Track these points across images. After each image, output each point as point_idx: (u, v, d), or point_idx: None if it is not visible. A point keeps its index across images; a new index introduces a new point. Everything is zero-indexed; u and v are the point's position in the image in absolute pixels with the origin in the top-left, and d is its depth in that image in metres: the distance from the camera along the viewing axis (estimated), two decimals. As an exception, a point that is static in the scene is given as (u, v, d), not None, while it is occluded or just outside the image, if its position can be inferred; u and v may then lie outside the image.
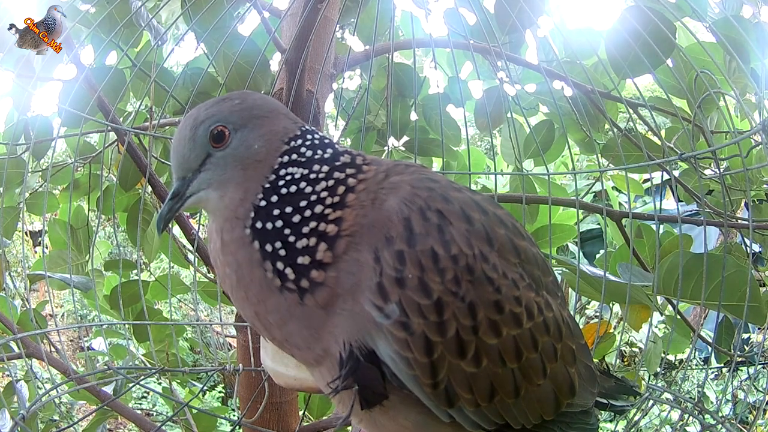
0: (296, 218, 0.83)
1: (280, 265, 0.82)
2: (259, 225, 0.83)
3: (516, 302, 0.86)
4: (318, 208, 0.83)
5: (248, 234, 0.84)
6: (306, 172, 0.85)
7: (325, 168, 0.86)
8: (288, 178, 0.85)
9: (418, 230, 0.81)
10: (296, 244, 0.82)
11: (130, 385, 1.79)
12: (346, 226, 0.82)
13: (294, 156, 0.87)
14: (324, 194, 0.84)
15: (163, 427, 2.91)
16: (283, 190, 0.84)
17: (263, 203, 0.84)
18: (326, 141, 0.90)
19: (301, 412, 2.14)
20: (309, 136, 0.89)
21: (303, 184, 0.85)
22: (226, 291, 0.89)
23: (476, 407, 0.85)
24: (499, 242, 0.87)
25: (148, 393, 4.91)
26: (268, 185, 0.85)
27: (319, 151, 0.88)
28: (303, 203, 0.83)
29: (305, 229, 0.82)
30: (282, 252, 0.82)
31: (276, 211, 0.83)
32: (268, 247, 0.82)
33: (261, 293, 0.84)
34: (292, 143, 0.88)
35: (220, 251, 0.86)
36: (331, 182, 0.85)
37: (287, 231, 0.82)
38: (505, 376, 0.86)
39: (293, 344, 0.87)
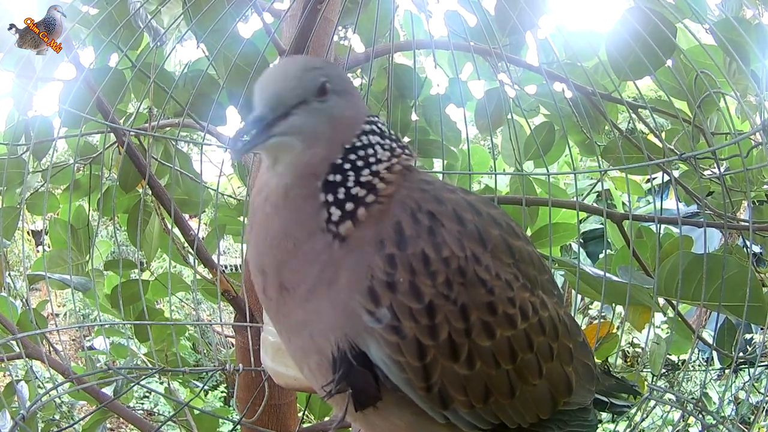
0: (365, 172, 0.85)
1: (333, 209, 0.83)
2: (331, 178, 0.85)
3: (510, 303, 0.86)
4: (381, 166, 0.86)
5: (319, 187, 0.84)
6: (381, 140, 0.89)
7: (393, 144, 0.90)
8: (366, 141, 0.88)
9: (408, 233, 0.82)
10: (352, 191, 0.83)
11: (131, 385, 1.79)
12: (386, 193, 0.85)
13: (374, 127, 0.90)
14: (386, 157, 0.87)
15: (165, 428, 2.91)
16: (361, 152, 0.87)
17: (340, 161, 0.86)
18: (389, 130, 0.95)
19: (300, 414, 2.14)
20: (379, 120, 0.93)
21: (378, 148, 0.88)
22: (259, 242, 0.88)
23: (471, 408, 0.85)
24: (493, 243, 0.87)
25: (149, 393, 4.92)
26: (349, 146, 0.87)
27: (389, 132, 0.92)
28: (372, 159, 0.86)
29: (363, 179, 0.84)
30: (341, 196, 0.83)
31: (348, 165, 0.85)
32: (330, 197, 0.84)
33: (302, 239, 0.83)
34: (371, 118, 0.91)
35: (278, 203, 0.86)
36: (388, 154, 0.88)
37: (351, 180, 0.84)
38: (499, 378, 0.85)
39: (295, 293, 0.85)
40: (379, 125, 0.91)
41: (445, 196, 0.87)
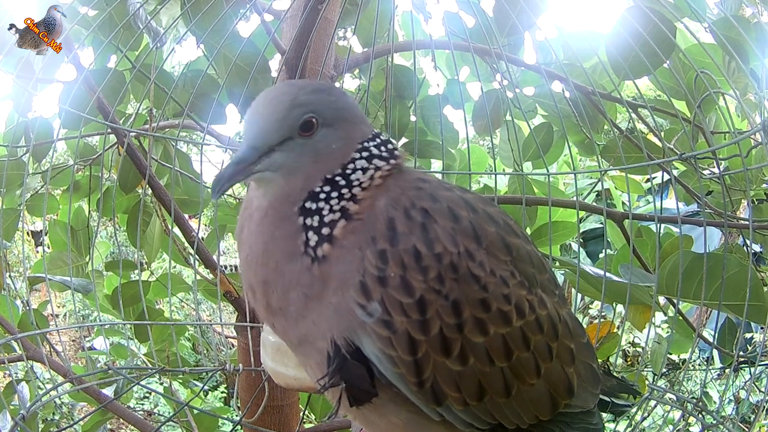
0: (335, 194, 0.85)
1: (310, 234, 0.84)
2: (308, 205, 0.85)
3: (505, 300, 0.85)
4: (356, 191, 0.86)
5: (296, 212, 0.85)
6: (366, 165, 0.88)
7: (382, 163, 0.89)
8: (350, 167, 0.87)
9: (401, 229, 0.82)
10: (325, 218, 0.84)
11: (131, 385, 1.79)
12: (361, 209, 0.85)
13: (364, 153, 0.89)
14: (364, 179, 0.87)
15: (165, 428, 2.91)
16: (342, 181, 0.86)
17: (318, 189, 0.86)
18: (389, 143, 0.93)
19: (301, 414, 2.14)
20: (377, 139, 0.92)
21: (359, 173, 0.87)
22: (244, 259, 0.90)
23: (465, 406, 0.85)
24: (488, 240, 0.87)
25: (149, 393, 4.92)
26: (330, 176, 0.87)
27: (383, 148, 0.90)
28: (350, 185, 0.86)
29: (337, 206, 0.84)
30: (315, 223, 0.84)
31: (324, 195, 0.85)
32: (308, 221, 0.84)
33: (283, 261, 0.85)
34: (364, 143, 0.90)
35: (259, 222, 0.87)
36: (372, 171, 0.88)
37: (326, 207, 0.85)
38: (494, 375, 0.85)
39: (286, 313, 0.87)
40: (371, 148, 0.90)
41: (440, 194, 0.87)
